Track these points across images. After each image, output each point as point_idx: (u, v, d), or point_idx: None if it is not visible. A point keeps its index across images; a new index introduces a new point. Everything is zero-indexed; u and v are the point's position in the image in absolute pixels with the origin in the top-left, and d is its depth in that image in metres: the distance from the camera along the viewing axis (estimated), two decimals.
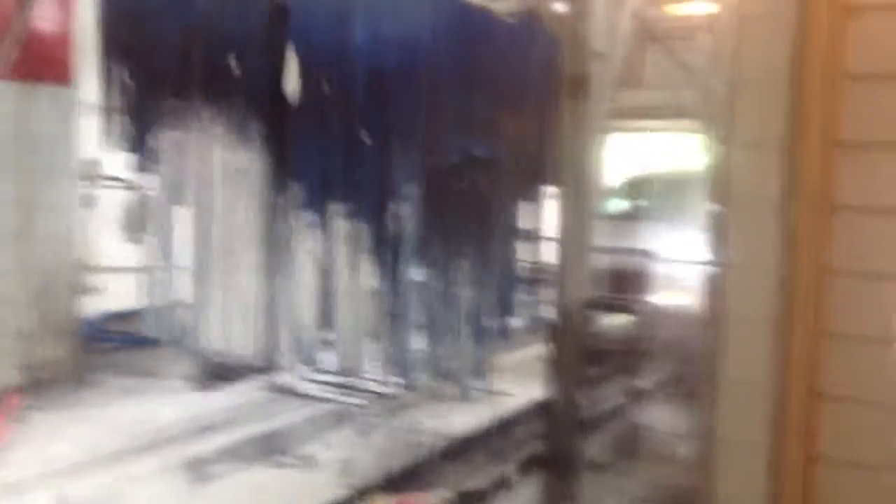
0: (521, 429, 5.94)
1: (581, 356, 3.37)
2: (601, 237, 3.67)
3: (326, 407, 6.58)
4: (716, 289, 1.75)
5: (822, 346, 1.67)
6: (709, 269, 1.82)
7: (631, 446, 5.46)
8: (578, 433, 3.55)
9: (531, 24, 3.78)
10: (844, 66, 1.58)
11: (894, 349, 1.67)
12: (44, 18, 6.54)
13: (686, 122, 6.48)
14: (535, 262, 4.99)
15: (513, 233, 4.83)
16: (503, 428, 5.95)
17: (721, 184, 1.66)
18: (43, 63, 6.61)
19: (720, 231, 1.73)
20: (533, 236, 4.92)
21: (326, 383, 6.97)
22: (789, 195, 1.60)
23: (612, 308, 6.66)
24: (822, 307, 1.68)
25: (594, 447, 5.30)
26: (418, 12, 4.62)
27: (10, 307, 6.58)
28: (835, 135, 1.59)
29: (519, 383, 6.94)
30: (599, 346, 5.47)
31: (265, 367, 6.93)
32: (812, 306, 1.66)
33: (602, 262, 3.65)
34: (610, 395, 6.37)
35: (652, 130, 6.56)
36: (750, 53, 1.69)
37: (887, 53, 1.58)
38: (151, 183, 5.84)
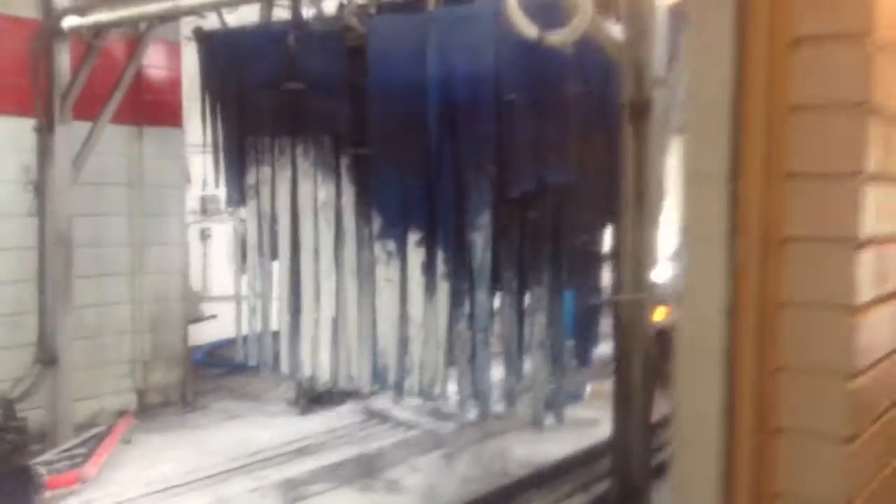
0: (603, 459, 5.86)
1: (648, 389, 3.33)
2: None
3: (414, 432, 6.72)
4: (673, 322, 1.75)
5: (772, 379, 1.62)
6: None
7: None
8: (649, 467, 3.47)
9: (592, 54, 3.80)
10: (789, 98, 1.55)
11: (846, 380, 1.61)
12: (153, 66, 7.04)
13: None
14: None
15: (591, 258, 4.81)
16: (589, 456, 5.88)
17: (681, 215, 1.66)
18: (153, 107, 7.12)
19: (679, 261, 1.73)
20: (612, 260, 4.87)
21: (417, 409, 7.11)
22: (733, 228, 1.58)
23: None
24: (771, 339, 1.63)
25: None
26: (486, 48, 4.70)
27: (126, 336, 7.07)
28: (783, 167, 1.55)
29: (606, 410, 6.85)
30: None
31: (362, 392, 7.14)
32: (759, 339, 1.62)
33: None
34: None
35: None
36: (694, 87, 1.68)
37: (834, 83, 1.54)
38: (245, 217, 6.14)
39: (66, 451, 5.63)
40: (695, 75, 1.66)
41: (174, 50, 7.26)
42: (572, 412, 6.02)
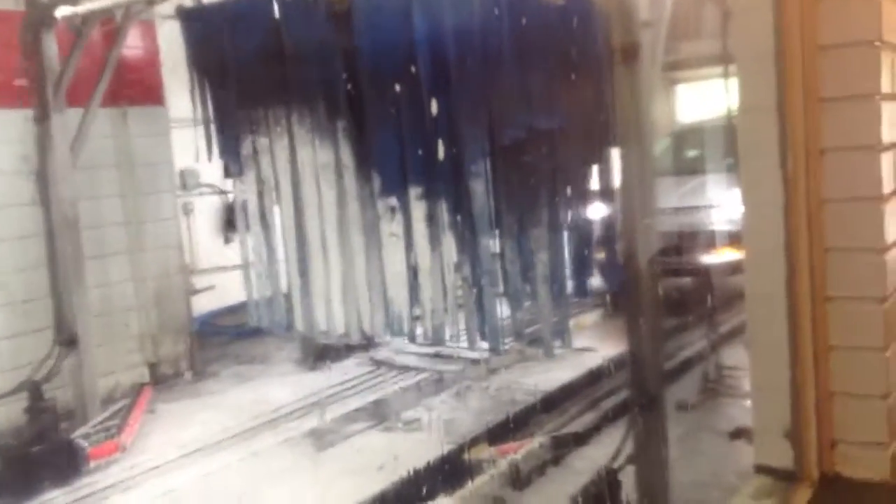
0: (605, 380, 6.31)
1: (655, 307, 3.71)
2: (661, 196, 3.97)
3: (423, 376, 7.10)
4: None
5: (822, 258, 2.02)
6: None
7: (713, 386, 5.76)
8: (662, 376, 3.89)
9: (579, 2, 4.09)
10: (818, 40, 1.90)
11: (878, 254, 2.02)
12: (131, 47, 7.15)
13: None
14: (609, 222, 5.31)
15: (583, 196, 5.16)
16: (589, 380, 6.33)
17: (732, 139, 2.02)
18: (135, 87, 7.25)
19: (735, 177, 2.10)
20: (604, 197, 5.25)
21: (421, 354, 7.49)
22: (783, 145, 1.94)
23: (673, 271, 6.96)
24: (818, 228, 2.03)
25: (679, 390, 5.64)
26: (470, 3, 4.97)
27: (131, 313, 7.29)
28: (817, 94, 1.91)
29: (599, 339, 7.33)
30: (671, 297, 5.77)
31: (364, 344, 7.48)
32: (809, 228, 2.01)
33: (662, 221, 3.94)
34: (687, 342, 6.69)
35: (705, 79, 6.73)
36: (743, 39, 2.02)
37: (853, 26, 1.89)
38: (245, 186, 6.36)
39: (99, 424, 5.89)
40: (743, 30, 1.99)
41: (150, 29, 7.36)
42: (569, 342, 6.43)
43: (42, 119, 5.92)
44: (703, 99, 7.42)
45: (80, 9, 5.40)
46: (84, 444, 5.48)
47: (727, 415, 5.41)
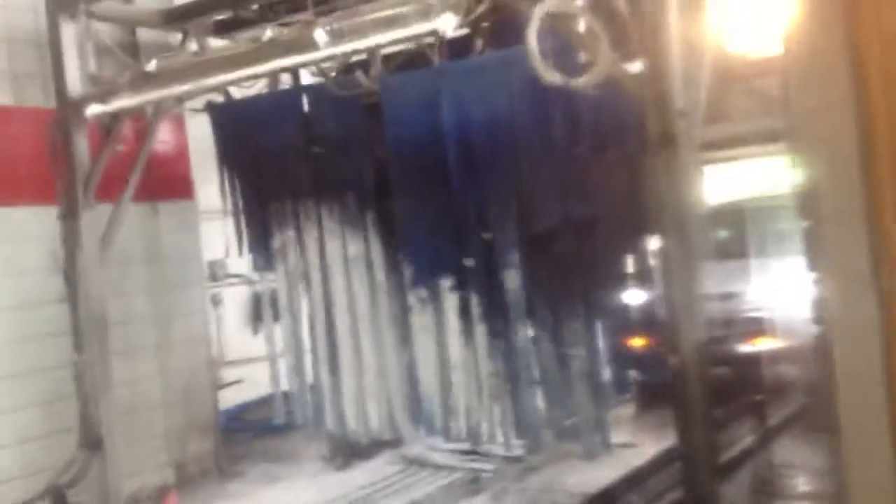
0: (651, 480, 5.96)
1: (707, 399, 3.47)
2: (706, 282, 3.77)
3: (457, 475, 6.78)
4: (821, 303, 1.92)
5: None
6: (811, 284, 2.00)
7: (768, 486, 5.40)
8: (715, 476, 3.61)
9: (612, 92, 3.99)
10: None
11: None
12: (162, 141, 7.18)
13: (771, 148, 6.50)
14: (647, 312, 5.10)
15: (619, 286, 4.97)
16: (634, 480, 5.98)
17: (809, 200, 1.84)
18: (165, 182, 7.25)
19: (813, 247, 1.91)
20: (641, 286, 5.04)
21: (454, 451, 7.19)
22: (870, 206, 1.77)
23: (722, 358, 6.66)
24: None
25: (732, 490, 5.27)
26: (500, 94, 4.90)
27: (158, 410, 7.12)
28: None
29: (642, 434, 6.97)
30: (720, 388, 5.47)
31: (394, 441, 7.21)
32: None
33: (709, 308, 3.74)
34: (738, 436, 6.32)
35: (739, 159, 6.60)
36: (821, 135, 1.85)
37: None
38: (275, 278, 6.27)
39: None
40: (822, 128, 1.83)
41: (180, 124, 7.42)
42: (609, 439, 6.11)
43: (70, 216, 5.90)
44: (729, 179, 7.23)
45: (111, 107, 5.43)
46: None
47: None
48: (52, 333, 6.28)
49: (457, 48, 5.47)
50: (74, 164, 5.84)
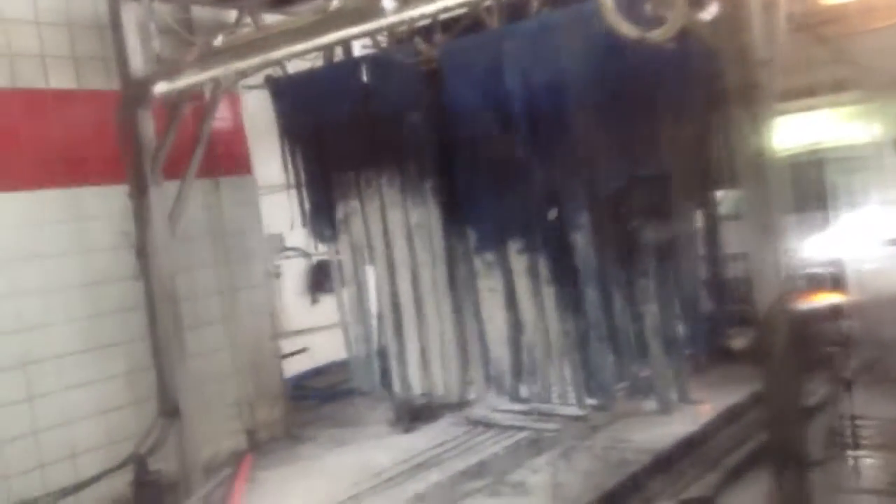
0: (723, 434, 6.00)
1: (794, 349, 3.49)
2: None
3: (522, 435, 6.89)
4: None
5: None
6: None
7: (846, 436, 5.40)
8: (804, 425, 3.64)
9: (687, 44, 3.96)
10: None
11: None
12: (220, 118, 7.28)
13: (845, 97, 6.40)
14: (719, 268, 5.09)
15: (692, 242, 4.96)
16: (706, 436, 6.02)
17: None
18: (225, 158, 7.38)
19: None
20: (712, 242, 5.03)
21: (518, 412, 7.28)
22: None
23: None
24: None
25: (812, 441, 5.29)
26: (564, 53, 4.89)
27: (229, 379, 7.31)
28: None
29: (711, 390, 6.98)
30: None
31: (459, 404, 7.33)
32: None
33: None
34: (815, 388, 6.31)
35: (811, 109, 6.48)
36: None
37: None
38: (337, 249, 6.36)
39: (205, 495, 5.85)
40: None
41: (235, 100, 7.52)
42: (679, 395, 6.14)
43: (140, 194, 6.03)
44: (801, 131, 7.12)
45: (178, 85, 5.52)
46: None
47: (859, 472, 5.04)
48: (125, 308, 6.48)
49: (513, 12, 5.48)
50: (141, 143, 5.96)
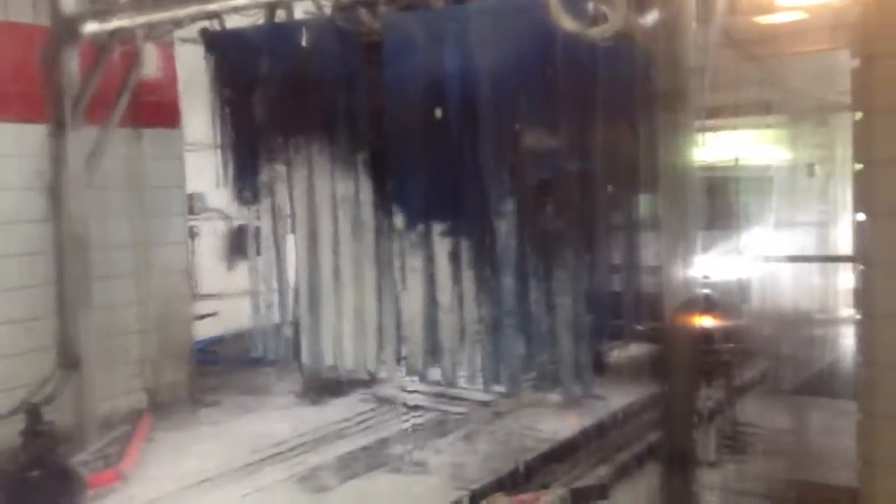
0: (620, 430, 6.17)
1: (692, 354, 3.61)
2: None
3: (428, 416, 6.93)
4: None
5: None
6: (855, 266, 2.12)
7: (736, 442, 5.62)
8: (694, 428, 3.77)
9: (623, 45, 4.04)
10: None
11: None
12: (149, 68, 7.06)
13: (769, 119, 6.63)
14: (632, 268, 5.22)
15: (609, 240, 5.08)
16: (603, 429, 6.19)
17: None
18: (152, 109, 7.16)
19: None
20: (630, 243, 5.16)
21: (426, 393, 7.33)
22: None
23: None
24: None
25: (701, 444, 5.48)
26: (505, 39, 4.92)
27: (133, 336, 7.13)
28: None
29: (612, 387, 7.16)
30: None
31: (367, 380, 7.33)
32: None
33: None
34: (709, 394, 6.54)
35: (734, 129, 6.70)
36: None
37: None
38: (258, 213, 6.26)
39: (98, 450, 5.71)
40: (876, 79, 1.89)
41: (169, 52, 7.30)
42: (581, 389, 6.28)
43: (58, 134, 5.81)
44: (722, 147, 7.35)
45: (108, 26, 5.33)
46: (83, 471, 5.29)
47: (749, 474, 5.24)
48: (32, 252, 6.23)
49: None
50: (64, 83, 5.75)
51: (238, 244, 9.24)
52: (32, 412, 5.73)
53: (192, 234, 9.22)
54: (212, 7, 4.90)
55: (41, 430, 5.66)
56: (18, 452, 5.53)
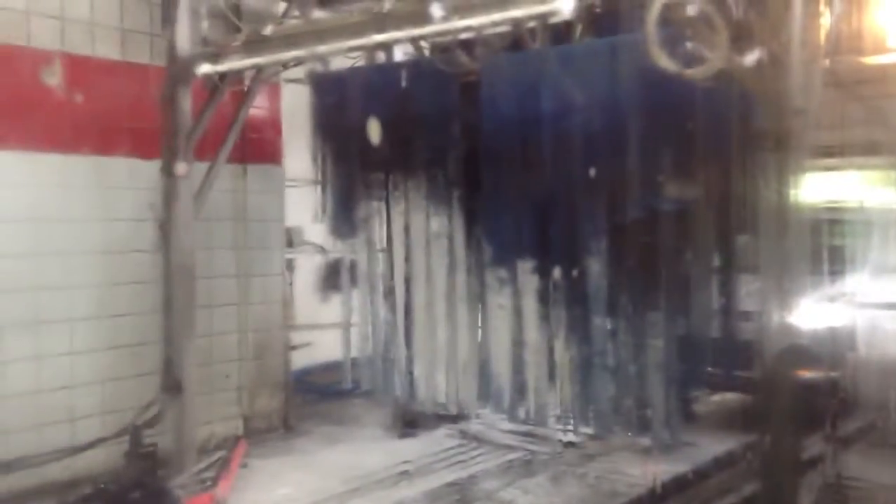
0: (714, 479, 5.98)
1: (794, 404, 3.50)
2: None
3: (515, 455, 6.89)
4: None
5: None
6: None
7: (840, 496, 5.37)
8: (796, 479, 3.64)
9: (723, 85, 4.00)
10: None
11: None
12: (256, 106, 7.38)
13: (876, 160, 6.41)
14: (730, 313, 5.09)
15: (707, 283, 4.98)
16: (696, 477, 6.01)
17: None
18: (257, 146, 7.48)
19: None
20: (727, 283, 5.04)
21: (513, 432, 7.30)
22: None
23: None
24: None
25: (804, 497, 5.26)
26: (602, 80, 4.95)
27: (233, 363, 7.38)
28: None
29: (705, 434, 6.95)
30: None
31: (455, 416, 7.35)
32: None
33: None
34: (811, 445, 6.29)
35: (841, 169, 6.50)
36: None
37: None
38: (354, 248, 6.42)
39: (196, 474, 5.90)
40: None
41: (275, 91, 7.62)
42: (673, 435, 6.13)
43: (171, 171, 6.11)
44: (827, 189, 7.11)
45: (220, 68, 5.62)
46: (181, 494, 5.48)
47: None
48: (140, 281, 6.56)
49: (556, 36, 5.54)
50: (178, 121, 6.06)
51: (332, 277, 9.47)
52: (136, 434, 6.01)
53: (290, 266, 9.53)
54: (319, 50, 5.09)
55: (143, 453, 5.92)
56: (121, 473, 5.80)
